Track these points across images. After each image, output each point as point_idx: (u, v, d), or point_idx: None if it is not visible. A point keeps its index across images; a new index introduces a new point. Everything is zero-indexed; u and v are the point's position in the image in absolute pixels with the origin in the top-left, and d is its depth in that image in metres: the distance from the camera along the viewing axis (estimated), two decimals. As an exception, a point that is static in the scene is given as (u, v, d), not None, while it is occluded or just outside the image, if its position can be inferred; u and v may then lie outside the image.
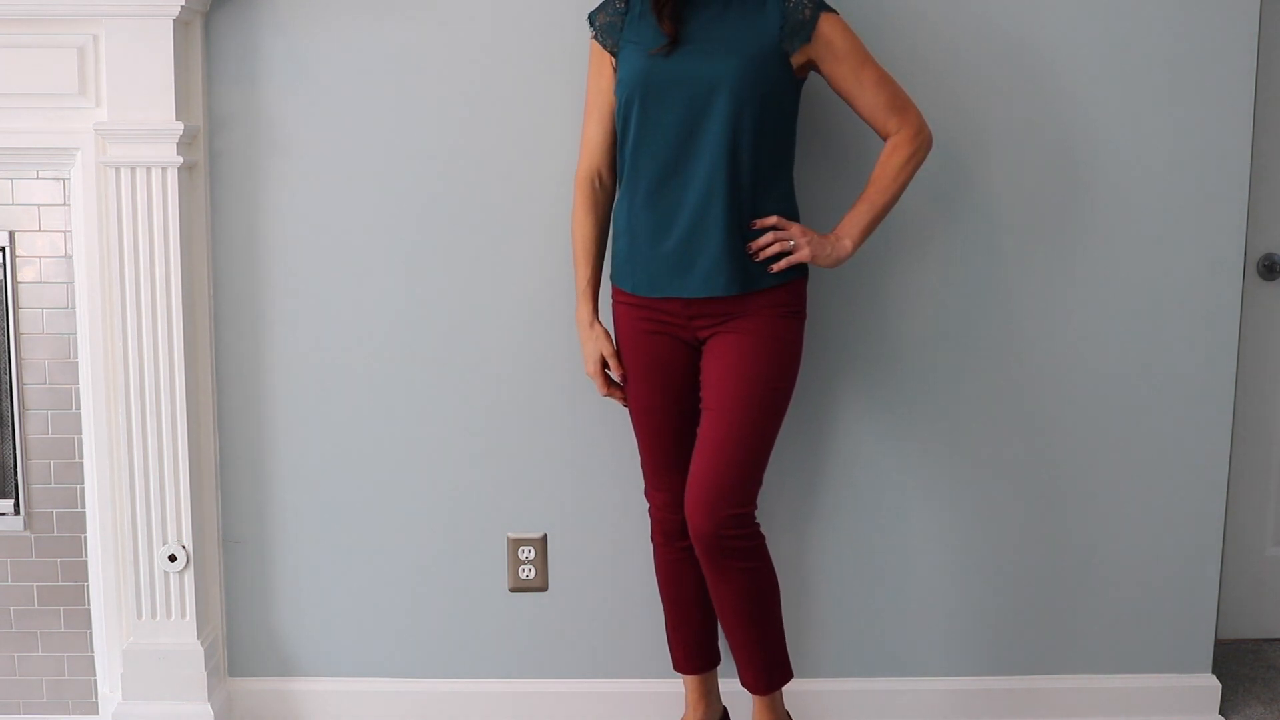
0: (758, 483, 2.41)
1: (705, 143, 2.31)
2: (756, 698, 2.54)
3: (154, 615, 2.73)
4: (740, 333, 2.38)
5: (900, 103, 2.41)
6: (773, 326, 2.39)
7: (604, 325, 2.50)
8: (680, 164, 2.33)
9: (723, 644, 2.69)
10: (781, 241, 2.36)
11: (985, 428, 2.77)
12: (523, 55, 2.66)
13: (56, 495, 2.75)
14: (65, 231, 2.67)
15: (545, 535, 2.82)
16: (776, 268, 2.37)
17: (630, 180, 2.39)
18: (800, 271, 2.43)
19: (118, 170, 2.59)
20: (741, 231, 2.35)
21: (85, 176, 2.63)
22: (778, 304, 2.39)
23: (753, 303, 2.38)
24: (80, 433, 2.73)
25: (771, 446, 2.41)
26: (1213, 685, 2.86)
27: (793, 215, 2.43)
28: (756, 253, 2.36)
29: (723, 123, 2.30)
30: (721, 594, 2.43)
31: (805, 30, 2.33)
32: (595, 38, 2.43)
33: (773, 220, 2.37)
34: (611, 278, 2.49)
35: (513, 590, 2.83)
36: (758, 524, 2.42)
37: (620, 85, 2.37)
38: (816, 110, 2.58)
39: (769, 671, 2.51)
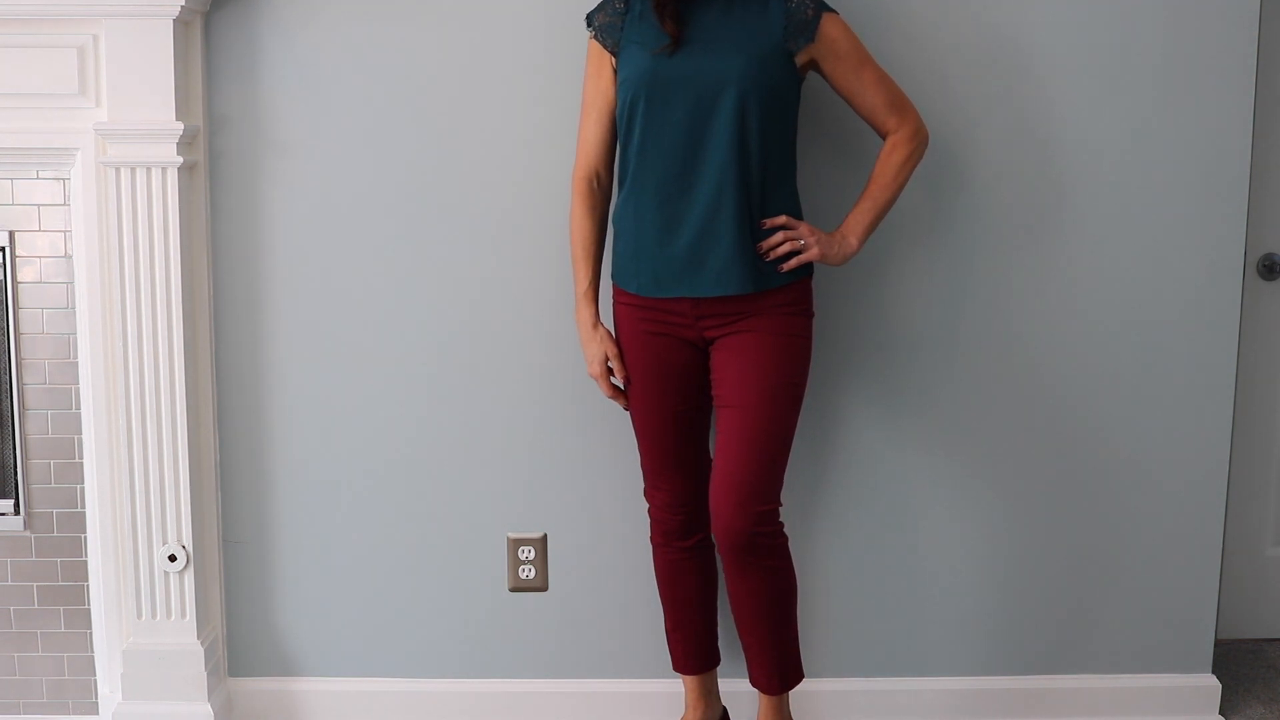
0: (782, 480, 2.41)
1: (714, 142, 2.31)
2: (765, 698, 2.54)
3: (154, 615, 2.73)
4: (755, 331, 2.38)
5: (899, 102, 2.42)
6: (785, 324, 2.39)
7: (606, 326, 2.50)
8: (689, 163, 2.33)
9: (722, 644, 2.69)
10: (792, 240, 2.37)
11: (984, 429, 2.77)
12: (523, 55, 2.65)
13: (56, 495, 2.75)
14: (65, 231, 2.67)
15: (545, 535, 2.82)
16: (786, 267, 2.37)
17: (636, 180, 2.38)
18: (807, 270, 2.43)
19: (118, 170, 2.59)
20: (752, 230, 2.35)
21: (85, 176, 2.63)
22: (787, 303, 2.40)
23: (763, 302, 2.38)
24: (80, 433, 2.73)
25: (791, 443, 2.42)
26: (1213, 685, 2.86)
27: (798, 214, 2.44)
28: (767, 252, 2.37)
29: (731, 121, 2.30)
30: (742, 592, 2.42)
31: (809, 30, 2.33)
32: (594, 37, 2.42)
33: (782, 220, 2.37)
34: (613, 278, 2.48)
35: (513, 590, 2.83)
36: (782, 522, 2.43)
37: (623, 84, 2.36)
38: (818, 109, 2.58)
39: (782, 672, 2.51)
